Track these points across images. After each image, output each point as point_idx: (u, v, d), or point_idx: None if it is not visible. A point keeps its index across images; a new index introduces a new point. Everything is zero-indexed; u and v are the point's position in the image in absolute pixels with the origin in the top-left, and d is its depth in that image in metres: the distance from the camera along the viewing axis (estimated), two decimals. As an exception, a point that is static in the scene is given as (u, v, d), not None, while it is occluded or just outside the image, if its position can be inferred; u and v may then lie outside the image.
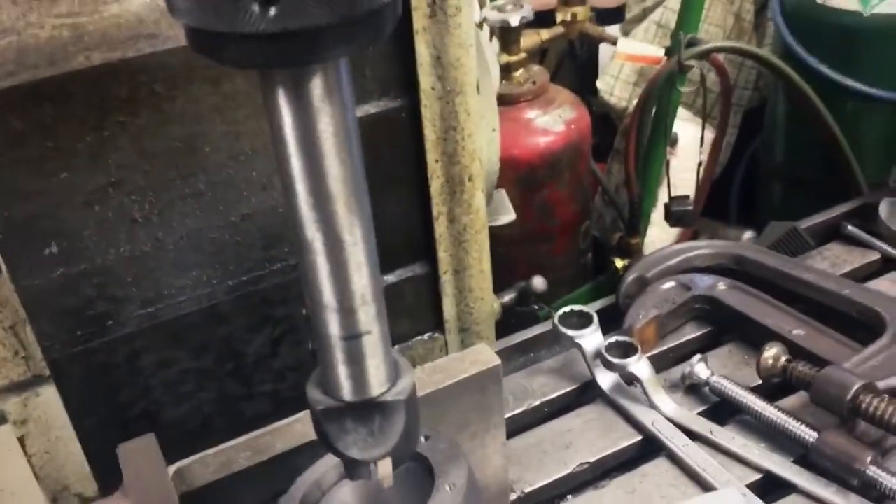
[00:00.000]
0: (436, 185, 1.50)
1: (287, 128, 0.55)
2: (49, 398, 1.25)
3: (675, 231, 2.31)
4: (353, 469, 0.69)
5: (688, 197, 2.10)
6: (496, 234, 1.84)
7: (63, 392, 1.21)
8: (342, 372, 0.66)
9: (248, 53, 0.51)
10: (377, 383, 0.67)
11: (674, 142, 2.24)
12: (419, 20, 1.33)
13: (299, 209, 0.59)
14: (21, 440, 1.30)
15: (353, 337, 0.64)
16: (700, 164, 2.07)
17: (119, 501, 0.80)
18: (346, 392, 0.67)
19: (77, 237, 1.14)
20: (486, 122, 1.63)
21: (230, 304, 1.30)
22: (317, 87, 0.54)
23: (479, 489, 0.77)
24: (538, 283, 1.83)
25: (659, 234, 2.30)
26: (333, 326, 0.63)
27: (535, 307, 1.96)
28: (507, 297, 1.86)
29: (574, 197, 2.16)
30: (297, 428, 0.86)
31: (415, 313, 1.62)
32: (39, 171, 1.09)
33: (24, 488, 1.43)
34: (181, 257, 1.23)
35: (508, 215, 1.88)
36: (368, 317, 0.64)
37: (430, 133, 1.45)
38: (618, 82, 2.54)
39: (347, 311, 0.63)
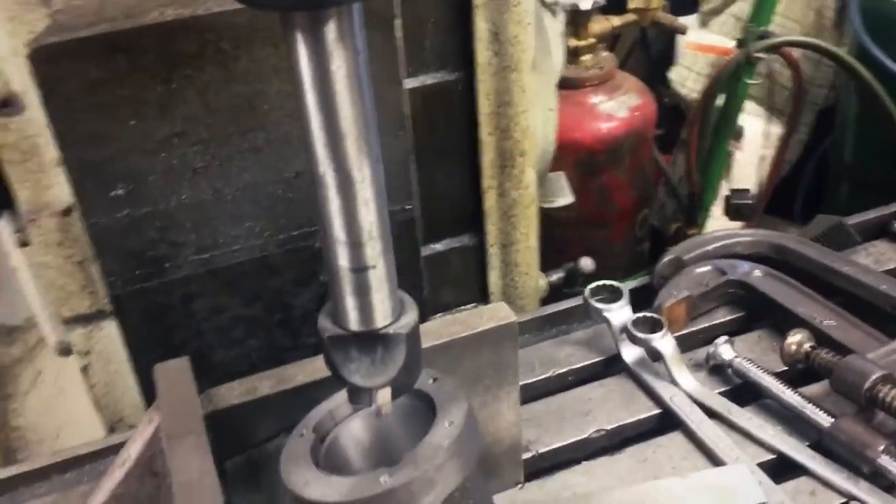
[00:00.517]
0: (487, 158, 1.54)
1: (303, 68, 0.61)
2: (110, 332, 1.34)
3: (736, 225, 2.30)
4: (354, 395, 0.74)
5: (748, 191, 2.09)
6: (553, 216, 1.88)
7: (122, 328, 1.30)
8: (349, 303, 0.71)
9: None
10: (381, 316, 0.72)
11: (739, 135, 2.23)
12: (479, -5, 1.37)
13: (313, 146, 0.65)
14: (84, 370, 1.40)
15: (359, 270, 0.69)
16: (762, 159, 2.06)
17: (151, 414, 0.88)
18: (353, 322, 0.72)
19: (143, 182, 1.21)
20: (544, 102, 1.66)
21: (280, 257, 1.37)
22: (331, 30, 0.60)
23: (478, 430, 0.81)
24: (586, 264, 1.85)
25: (719, 227, 2.29)
26: (342, 258, 0.69)
27: (582, 289, 1.99)
28: (555, 277, 1.88)
29: (633, 184, 2.17)
30: (319, 364, 0.92)
31: (460, 283, 1.66)
32: (112, 118, 1.16)
33: (85, 418, 1.54)
34: (237, 208, 1.29)
35: (566, 198, 1.91)
36: (374, 252, 0.69)
37: (483, 107, 1.49)
38: (691, 74, 2.53)
39: (355, 244, 0.68)
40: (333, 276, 0.71)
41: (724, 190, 2.21)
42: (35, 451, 1.78)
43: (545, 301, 1.71)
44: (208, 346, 1.37)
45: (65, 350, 1.45)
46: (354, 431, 0.86)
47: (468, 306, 1.65)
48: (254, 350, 1.41)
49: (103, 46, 1.13)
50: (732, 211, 2.08)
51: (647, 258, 2.32)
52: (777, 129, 2.17)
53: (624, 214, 2.20)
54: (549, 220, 1.83)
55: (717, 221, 2.25)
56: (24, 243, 1.30)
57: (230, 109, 1.23)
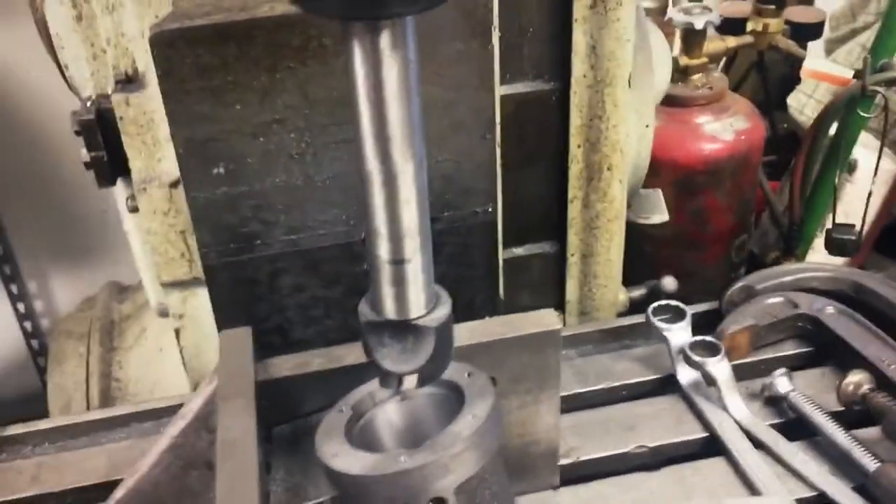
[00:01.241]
0: (574, 169, 1.57)
1: (358, 72, 0.67)
2: (203, 300, 1.45)
3: (838, 261, 2.23)
4: (384, 378, 0.80)
5: (853, 226, 2.02)
6: (647, 232, 1.88)
7: (213, 296, 1.40)
8: (386, 292, 0.77)
9: (333, 4, 0.63)
10: (415, 307, 0.78)
11: (852, 168, 2.16)
12: (580, 9, 1.40)
13: (362, 145, 0.71)
14: (177, 332, 1.51)
15: (397, 262, 0.75)
16: (870, 195, 1.99)
17: (213, 376, 0.97)
18: (388, 310, 0.78)
19: (242, 163, 1.30)
20: (641, 118, 1.67)
21: (362, 246, 1.43)
22: (385, 39, 0.65)
23: (500, 426, 0.85)
24: (668, 283, 1.84)
25: (819, 261, 2.22)
26: (382, 250, 0.75)
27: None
28: (636, 293, 1.88)
29: (732, 208, 2.14)
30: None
31: (538, 289, 1.69)
32: (218, 101, 1.26)
33: (177, 378, 1.66)
34: (326, 195, 1.36)
35: (662, 215, 1.91)
36: (412, 247, 0.75)
37: (575, 119, 1.52)
38: (810, 101, 2.46)
39: (394, 238, 0.74)
40: (373, 266, 0.77)
41: (829, 223, 2.14)
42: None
43: (621, 315, 1.71)
44: (288, 322, 1.45)
45: (163, 312, 1.57)
46: (389, 414, 0.92)
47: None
48: (330, 330, 1.48)
49: (217, 35, 1.22)
50: (834, 246, 2.01)
51: (742, 285, 2.27)
52: (891, 166, 2.09)
53: (719, 238, 2.17)
54: (642, 237, 1.84)
55: (818, 255, 2.18)
56: (134, 209, 1.42)
57: (327, 102, 1.30)
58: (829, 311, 1.31)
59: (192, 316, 1.50)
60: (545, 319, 1.01)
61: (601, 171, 1.58)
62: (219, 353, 0.99)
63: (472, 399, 0.85)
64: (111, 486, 1.06)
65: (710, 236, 2.16)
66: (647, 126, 1.72)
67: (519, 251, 1.67)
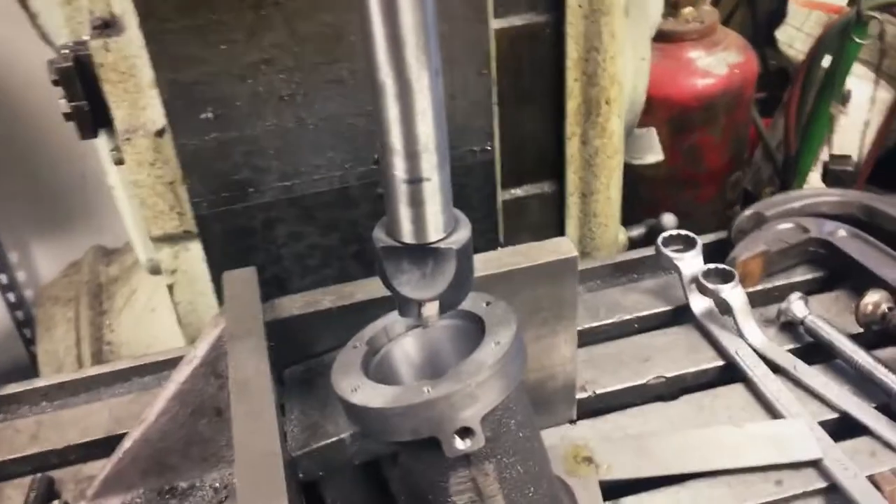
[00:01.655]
0: (572, 104, 1.53)
1: (370, -30, 0.62)
2: (196, 254, 1.40)
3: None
4: (403, 306, 0.76)
5: (849, 157, 2.00)
6: (641, 173, 1.84)
7: (206, 249, 1.35)
8: (403, 214, 0.73)
9: None
10: (434, 230, 0.73)
11: (845, 99, 2.13)
12: (571, -64, 1.34)
13: (375, 53, 0.66)
14: (170, 288, 1.47)
15: (414, 181, 0.71)
16: (867, 125, 1.96)
17: (218, 319, 0.92)
18: (406, 234, 0.74)
19: (231, 106, 1.25)
20: (635, 50, 1.63)
21: (359, 189, 1.39)
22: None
23: (524, 353, 0.82)
24: (668, 220, 1.82)
25: (814, 195, 2.20)
26: (398, 169, 0.70)
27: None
28: (636, 232, 1.86)
29: (726, 145, 2.11)
30: (378, 284, 0.94)
31: (537, 230, 1.66)
32: (203, 41, 1.20)
33: (172, 337, 1.61)
34: (319, 138, 1.32)
35: (656, 155, 1.87)
36: (430, 164, 0.70)
37: (572, 51, 1.47)
38: (799, 34, 2.42)
39: (410, 154, 0.70)
40: (389, 187, 0.72)
41: (824, 156, 2.12)
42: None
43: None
44: (286, 272, 1.41)
45: (154, 268, 1.52)
46: (406, 347, 0.88)
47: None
48: (328, 279, 1.44)
49: (197, -31, 1.16)
50: (831, 177, 2.00)
51: (737, 222, 2.25)
52: (886, 95, 2.06)
53: (714, 175, 2.14)
54: (637, 177, 1.80)
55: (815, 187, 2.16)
56: (119, 161, 1.36)
57: (317, 38, 1.25)
58: (840, 234, 1.28)
59: (186, 271, 1.45)
60: (561, 247, 0.98)
61: (599, 105, 1.54)
62: (224, 295, 0.94)
63: (493, 327, 0.82)
64: (115, 441, 1.02)
65: (705, 174, 2.13)
66: (643, 59, 1.68)
67: (517, 192, 1.63)
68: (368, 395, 0.78)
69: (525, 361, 0.82)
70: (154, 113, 1.29)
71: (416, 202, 0.72)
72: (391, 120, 0.69)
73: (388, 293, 0.82)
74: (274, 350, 0.88)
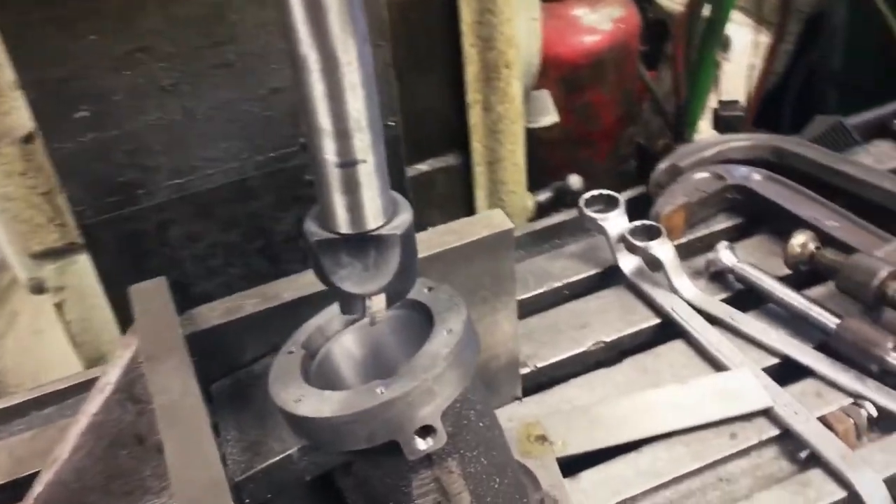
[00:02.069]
0: (471, 71, 1.48)
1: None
2: (84, 267, 1.28)
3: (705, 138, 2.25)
4: (346, 303, 0.69)
5: (738, 102, 2.03)
6: (537, 136, 1.81)
7: (96, 260, 1.24)
8: (338, 202, 0.66)
9: None
10: (373, 216, 0.67)
11: (726, 46, 2.16)
12: None
13: (293, 23, 0.58)
14: (59, 307, 1.34)
15: (348, 164, 0.64)
16: (752, 69, 1.99)
17: (128, 339, 0.83)
18: (342, 224, 0.66)
19: (107, 101, 1.14)
20: (527, 11, 1.59)
21: (259, 180, 1.31)
22: None
23: (477, 338, 0.77)
24: (574, 181, 1.80)
25: (707, 142, 2.24)
26: (328, 152, 0.63)
27: (571, 208, 1.93)
28: (543, 196, 1.83)
29: (618, 100, 2.10)
30: (305, 279, 0.87)
31: (446, 204, 1.61)
32: (69, 32, 1.09)
33: (64, 359, 1.48)
34: (211, 129, 1.23)
35: (551, 116, 1.85)
36: (364, 144, 0.63)
37: (466, 15, 1.42)
38: (675, -14, 2.44)
39: (342, 134, 0.62)
40: (320, 173, 0.65)
41: (712, 103, 2.15)
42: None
43: (532, 221, 1.65)
44: (186, 276, 1.32)
45: (37, 287, 1.39)
46: (347, 346, 0.81)
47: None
48: (234, 279, 1.36)
49: (54, -49, 1.05)
50: (722, 123, 2.02)
51: (634, 176, 2.27)
52: (765, 39, 2.11)
53: (609, 132, 2.14)
54: (533, 141, 1.77)
55: (706, 136, 2.19)
56: (-16, 173, 1.23)
57: (196, 20, 1.15)
58: (755, 178, 1.28)
59: (74, 286, 1.33)
60: (495, 220, 0.93)
61: (498, 69, 1.49)
62: (134, 312, 0.84)
63: (441, 314, 0.76)
64: (21, 485, 0.91)
65: (600, 132, 2.12)
66: (534, 19, 1.64)
67: (422, 167, 1.57)
68: (315, 404, 0.71)
69: (479, 346, 0.76)
70: (20, 117, 1.17)
71: (352, 187, 0.65)
72: (317, 98, 0.61)
73: (318, 290, 0.75)
74: (197, 364, 0.79)
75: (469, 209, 1.61)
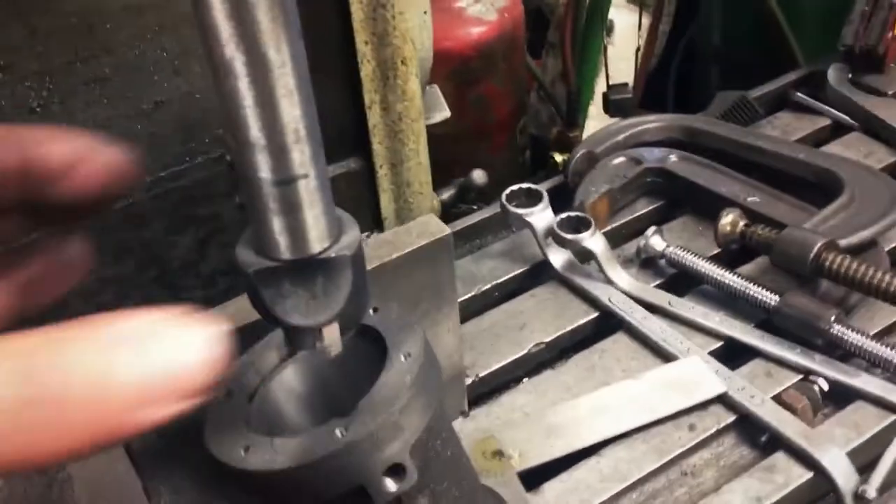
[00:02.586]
0: (367, 70, 1.39)
1: None
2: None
3: (615, 122, 2.25)
4: (295, 338, 0.61)
5: (626, 85, 2.04)
6: (430, 133, 1.75)
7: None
8: (276, 225, 0.57)
9: None
10: (317, 238, 0.58)
11: (609, 29, 2.17)
12: None
13: (214, 20, 0.49)
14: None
15: (286, 181, 0.55)
16: (638, 50, 2.00)
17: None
18: (283, 249, 0.58)
19: (-33, 130, 1.00)
20: (418, 6, 1.53)
21: (148, 204, 1.19)
22: None
23: (436, 359, 0.70)
24: (478, 176, 1.75)
25: (598, 127, 2.24)
26: (263, 169, 0.54)
27: (475, 206, 1.89)
28: (447, 195, 1.77)
29: (511, 91, 2.07)
30: (229, 311, 0.78)
31: (351, 211, 1.52)
32: (-86, 53, 0.95)
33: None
34: (90, 151, 1.10)
35: (443, 112, 1.78)
36: (304, 157, 0.55)
37: (357, 11, 1.33)
38: (549, -26, 2.44)
39: (278, 148, 0.54)
40: (253, 194, 0.56)
41: (600, 87, 2.15)
42: None
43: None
44: (76, 315, 1.18)
45: None
46: (288, 382, 0.72)
47: (363, 235, 1.52)
48: (132, 314, 1.23)
49: None
50: (612, 107, 2.02)
51: (530, 167, 2.25)
52: (646, 20, 2.12)
53: (504, 124, 2.10)
54: (428, 139, 1.71)
55: (597, 121, 2.19)
56: None
57: (63, 32, 1.03)
58: (672, 159, 1.27)
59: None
60: (430, 227, 0.86)
61: (395, 66, 1.42)
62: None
63: (394, 337, 0.68)
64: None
65: (495, 124, 2.09)
66: (425, 13, 1.58)
67: (324, 174, 1.48)
68: (266, 454, 0.62)
69: (440, 368, 0.69)
70: None
71: (292, 208, 0.56)
72: (247, 108, 0.52)
73: (247, 321, 0.66)
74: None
75: (375, 215, 1.54)
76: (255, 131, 0.53)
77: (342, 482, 0.63)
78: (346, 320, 0.61)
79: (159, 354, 0.36)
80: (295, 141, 0.54)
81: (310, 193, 0.57)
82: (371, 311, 0.71)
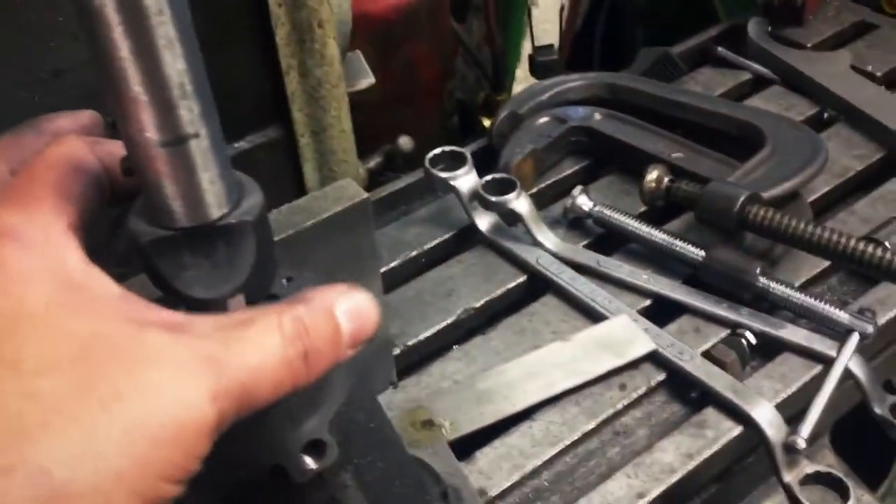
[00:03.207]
0: (282, 33, 1.34)
1: None
2: None
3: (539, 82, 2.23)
4: (197, 311, 0.57)
5: (552, 46, 2.01)
6: (355, 100, 1.69)
7: None
8: (169, 190, 0.53)
9: None
10: (215, 202, 0.54)
11: (533, -10, 2.14)
12: None
13: (78, -38, 0.45)
14: None
15: (175, 141, 0.51)
16: (562, 10, 1.98)
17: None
18: (178, 217, 0.54)
19: None
20: (332, -35, 1.47)
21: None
22: None
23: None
24: (405, 142, 1.70)
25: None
26: (149, 128, 0.50)
27: (402, 174, 1.86)
28: (373, 163, 1.73)
29: (437, 54, 2.02)
30: (134, 287, 0.73)
31: (273, 182, 1.45)
32: None
33: None
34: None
35: (367, 78, 1.73)
36: (193, 114, 0.51)
37: (269, -28, 1.28)
38: (470, -66, 2.39)
39: (163, 104, 0.49)
40: (141, 157, 0.52)
41: (526, 50, 2.12)
42: None
43: (367, 190, 1.56)
44: None
45: None
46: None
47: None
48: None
49: None
50: (539, 69, 1.99)
51: (459, 132, 2.22)
52: (569, -20, 2.10)
53: (430, 88, 2.05)
54: (352, 106, 1.67)
55: (524, 84, 2.16)
56: None
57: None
58: (596, 117, 1.25)
59: None
60: (347, 191, 0.82)
61: (312, 29, 1.36)
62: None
63: (308, 307, 0.65)
64: None
65: (422, 89, 2.03)
66: (341, -27, 1.53)
67: (242, 144, 1.42)
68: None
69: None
70: None
71: (184, 170, 0.52)
72: (125, 61, 0.48)
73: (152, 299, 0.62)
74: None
75: (298, 185, 1.49)
76: (136, 86, 0.49)
77: (258, 462, 0.60)
78: (253, 291, 0.58)
79: (360, 317, 0.56)
80: (181, 96, 0.50)
81: (202, 154, 0.52)
82: (284, 281, 0.68)
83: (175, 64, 0.49)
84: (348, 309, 0.55)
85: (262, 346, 0.50)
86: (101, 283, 0.51)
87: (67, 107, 1.08)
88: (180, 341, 0.48)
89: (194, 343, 0.48)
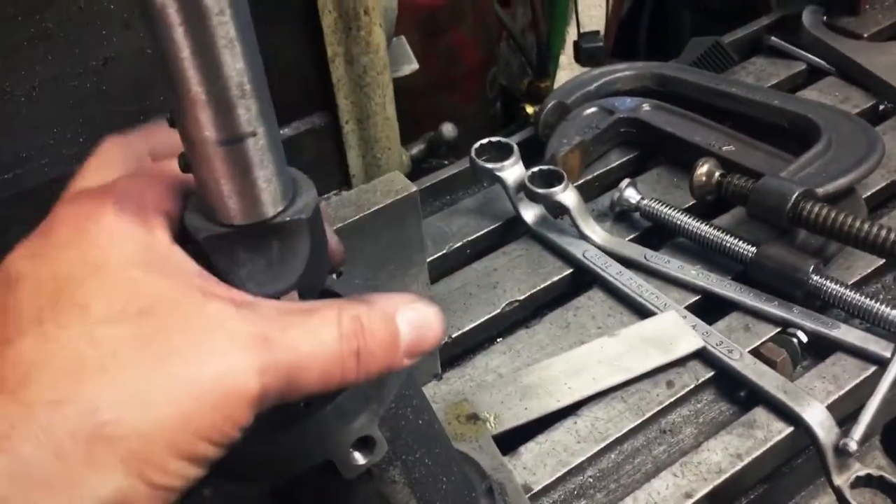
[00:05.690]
0: (328, 20, 1.34)
1: None
2: None
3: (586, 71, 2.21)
4: (253, 307, 0.57)
5: (598, 33, 1.99)
6: (398, 86, 1.70)
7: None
8: (225, 188, 0.53)
9: None
10: (271, 201, 0.54)
11: (579, -24, 2.11)
12: None
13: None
14: None
15: (233, 140, 0.51)
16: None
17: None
18: (234, 214, 0.54)
19: None
20: (379, -49, 1.47)
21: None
22: None
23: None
24: (448, 130, 1.69)
25: (569, 77, 2.19)
26: (207, 127, 0.50)
27: (445, 161, 1.85)
28: (416, 150, 1.73)
29: (480, 40, 2.01)
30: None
31: (318, 169, 1.47)
32: None
33: None
34: (37, 112, 1.05)
35: (411, 65, 1.73)
36: (251, 113, 0.51)
37: (315, -40, 1.28)
38: (516, -81, 2.36)
39: (222, 103, 0.49)
40: (198, 155, 0.52)
41: (571, 36, 2.10)
42: None
43: (410, 178, 1.56)
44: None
45: None
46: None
47: (329, 194, 1.49)
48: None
49: None
50: (584, 56, 1.97)
51: (501, 119, 2.21)
52: (616, -35, 2.07)
53: (473, 75, 2.05)
54: (396, 92, 1.67)
55: (568, 71, 2.15)
56: None
57: (4, -17, 0.97)
58: (645, 108, 1.23)
59: None
60: (396, 185, 0.82)
61: (358, 17, 1.36)
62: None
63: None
64: None
65: (464, 75, 2.03)
66: (387, -40, 1.52)
67: (286, 131, 1.43)
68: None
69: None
70: None
71: (241, 169, 0.52)
72: (185, 61, 0.48)
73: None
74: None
75: (343, 171, 1.49)
76: (195, 85, 0.49)
77: (308, 457, 0.60)
78: (306, 288, 0.58)
79: (421, 328, 0.56)
80: (240, 96, 0.50)
81: (259, 153, 0.52)
82: (334, 276, 0.68)
83: (234, 63, 0.49)
84: (412, 319, 0.55)
85: (316, 335, 0.51)
86: (182, 258, 0.53)
87: (118, 94, 1.10)
88: (241, 317, 0.49)
89: (255, 320, 0.50)
